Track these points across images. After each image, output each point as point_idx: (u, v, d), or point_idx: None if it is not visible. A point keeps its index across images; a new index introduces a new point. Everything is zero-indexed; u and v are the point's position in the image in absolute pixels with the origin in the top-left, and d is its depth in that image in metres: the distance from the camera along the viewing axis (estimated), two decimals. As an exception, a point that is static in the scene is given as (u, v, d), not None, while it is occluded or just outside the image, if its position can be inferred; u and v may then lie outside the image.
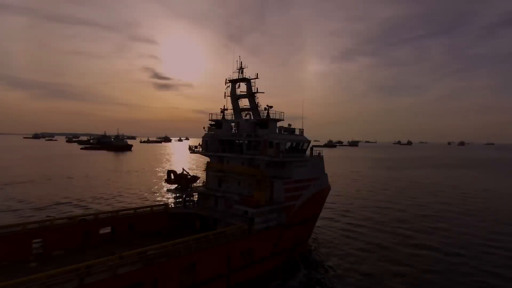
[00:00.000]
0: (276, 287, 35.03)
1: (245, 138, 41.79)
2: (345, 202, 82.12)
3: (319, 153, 48.31)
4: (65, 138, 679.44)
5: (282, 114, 42.28)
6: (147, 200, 77.66)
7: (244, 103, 46.26)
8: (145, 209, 41.41)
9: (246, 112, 45.54)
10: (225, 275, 30.99)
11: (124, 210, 40.02)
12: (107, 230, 37.33)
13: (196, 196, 46.39)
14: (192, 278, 27.97)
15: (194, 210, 43.17)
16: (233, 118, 46.27)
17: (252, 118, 44.41)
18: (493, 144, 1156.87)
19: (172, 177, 43.99)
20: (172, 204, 44.59)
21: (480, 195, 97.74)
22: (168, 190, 45.53)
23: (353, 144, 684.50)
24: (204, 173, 47.99)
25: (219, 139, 44.46)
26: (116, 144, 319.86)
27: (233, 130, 44.84)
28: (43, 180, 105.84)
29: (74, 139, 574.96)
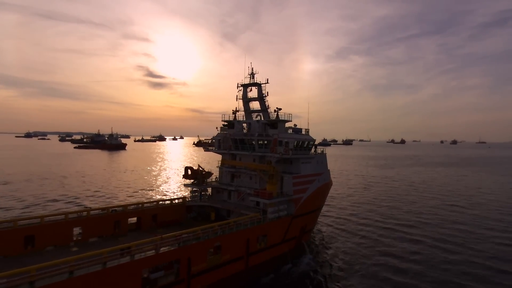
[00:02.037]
0: (287, 269, 39.64)
1: (257, 137, 45.89)
2: (342, 198, 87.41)
3: (322, 151, 52.82)
4: (58, 137, 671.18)
5: (290, 115, 46.65)
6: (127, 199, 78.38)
7: (254, 105, 50.54)
8: (166, 202, 45.57)
9: (256, 114, 49.72)
10: (244, 257, 35.32)
11: (148, 202, 44.06)
12: (134, 220, 41.40)
13: (210, 190, 50.56)
14: (218, 258, 32.24)
15: (209, 202, 47.33)
16: (244, 119, 50.43)
17: (262, 119, 48.54)
18: (484, 142, 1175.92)
19: (189, 172, 48.09)
20: (189, 197, 48.70)
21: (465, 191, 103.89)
22: (185, 185, 49.60)
23: (347, 142, 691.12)
24: (217, 169, 52.18)
25: (232, 138, 48.42)
26: (110, 143, 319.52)
27: (244, 130, 48.98)
28: (38, 180, 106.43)
29: (67, 138, 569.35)
